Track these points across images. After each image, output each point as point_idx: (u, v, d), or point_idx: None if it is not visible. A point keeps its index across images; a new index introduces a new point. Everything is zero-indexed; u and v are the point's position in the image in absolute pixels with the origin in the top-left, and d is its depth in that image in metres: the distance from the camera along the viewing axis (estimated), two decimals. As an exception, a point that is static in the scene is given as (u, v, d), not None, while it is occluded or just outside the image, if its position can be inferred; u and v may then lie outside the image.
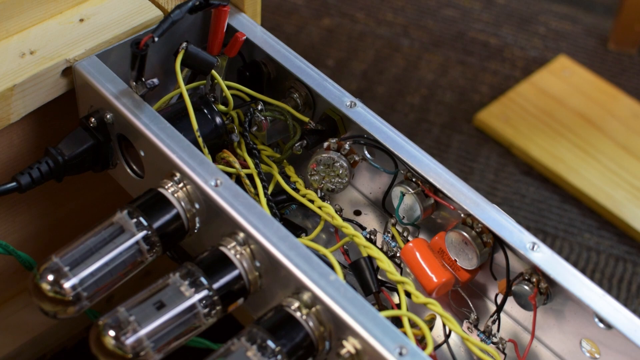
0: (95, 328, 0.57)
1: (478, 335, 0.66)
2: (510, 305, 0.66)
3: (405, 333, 0.58)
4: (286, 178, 0.72)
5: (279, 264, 0.59)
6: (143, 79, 0.66)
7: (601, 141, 1.50)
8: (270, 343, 0.56)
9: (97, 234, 0.62)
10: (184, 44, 0.67)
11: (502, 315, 0.66)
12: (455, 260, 0.66)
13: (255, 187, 0.68)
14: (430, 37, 1.69)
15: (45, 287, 0.59)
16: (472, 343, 0.61)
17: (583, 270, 1.34)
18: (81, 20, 0.73)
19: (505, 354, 0.65)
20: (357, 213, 0.74)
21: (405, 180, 0.68)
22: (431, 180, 0.65)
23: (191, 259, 0.61)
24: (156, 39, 0.64)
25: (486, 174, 1.47)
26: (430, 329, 0.63)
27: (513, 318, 0.67)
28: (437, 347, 0.64)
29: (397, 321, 0.59)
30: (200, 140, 0.67)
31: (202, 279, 0.59)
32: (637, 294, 1.33)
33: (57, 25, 0.73)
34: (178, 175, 0.64)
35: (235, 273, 0.60)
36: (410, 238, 0.70)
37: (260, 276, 0.61)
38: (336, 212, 0.68)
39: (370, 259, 0.66)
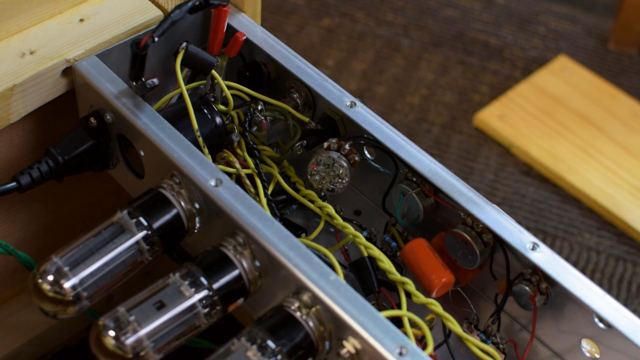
0: (95, 328, 0.57)
1: (478, 335, 0.66)
2: (510, 305, 0.66)
3: (405, 333, 0.58)
4: (286, 178, 0.72)
5: (279, 264, 0.59)
6: (143, 79, 0.66)
7: (601, 141, 1.51)
8: (270, 343, 0.56)
9: (97, 234, 0.62)
10: (184, 44, 0.67)
11: (502, 315, 0.66)
12: (456, 260, 0.66)
13: (255, 187, 0.68)
14: (430, 37, 1.69)
15: (45, 287, 0.59)
16: (472, 343, 0.61)
17: (583, 270, 1.34)
18: (81, 20, 0.73)
19: (505, 354, 0.65)
20: (357, 213, 0.74)
21: (405, 180, 0.68)
22: (431, 180, 0.65)
23: (191, 259, 0.61)
24: (156, 39, 0.64)
25: (486, 174, 1.47)
26: (430, 329, 0.63)
27: (513, 318, 0.67)
28: (437, 347, 0.64)
29: (397, 321, 0.59)
30: (200, 140, 0.67)
31: (202, 279, 0.59)
32: (637, 294, 1.33)
33: (57, 25, 0.73)
34: (178, 175, 0.64)
35: (235, 273, 0.60)
36: (410, 238, 0.70)
37: (260, 276, 0.61)
38: (336, 212, 0.69)
39: (370, 259, 0.66)
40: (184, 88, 0.67)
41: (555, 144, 1.49)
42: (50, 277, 0.59)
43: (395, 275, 0.64)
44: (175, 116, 0.68)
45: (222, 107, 0.71)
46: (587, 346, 0.62)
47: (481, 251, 0.64)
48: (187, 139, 0.65)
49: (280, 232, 0.60)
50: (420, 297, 0.62)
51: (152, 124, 0.66)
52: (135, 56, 0.65)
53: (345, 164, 0.67)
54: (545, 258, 0.61)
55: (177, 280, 0.59)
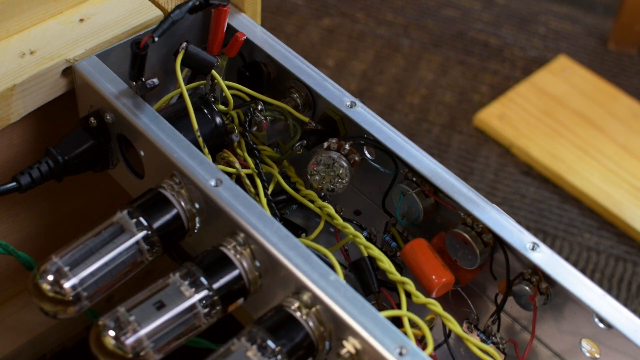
0: (95, 328, 0.57)
1: (478, 335, 0.66)
2: (510, 305, 0.66)
3: (405, 333, 0.58)
4: (286, 178, 0.72)
5: (279, 264, 0.59)
6: (143, 79, 0.66)
7: (601, 141, 1.51)
8: (270, 343, 0.56)
9: (97, 234, 0.62)
10: (184, 44, 0.67)
11: (502, 315, 0.66)
12: (456, 260, 0.66)
13: (255, 187, 0.68)
14: (430, 37, 1.69)
15: (45, 287, 0.59)
16: (472, 343, 0.61)
17: (583, 270, 1.34)
18: (81, 20, 0.73)
19: (505, 354, 0.65)
20: (357, 213, 0.74)
21: (405, 180, 0.68)
22: (431, 180, 0.65)
23: (191, 259, 0.61)
24: (156, 39, 0.64)
25: (486, 174, 1.47)
26: (430, 329, 0.63)
27: (513, 318, 0.67)
28: (437, 347, 0.64)
29: (397, 321, 0.59)
30: (200, 140, 0.67)
31: (202, 279, 0.59)
32: (637, 294, 1.33)
33: (57, 25, 0.73)
34: (178, 175, 0.64)
35: (235, 273, 0.60)
36: (410, 238, 0.70)
37: (260, 276, 0.61)
38: (336, 212, 0.68)
39: (370, 259, 0.66)
40: (184, 88, 0.67)
41: (555, 144, 1.49)
42: (50, 277, 0.59)
43: (395, 275, 0.64)
44: (175, 116, 0.68)
45: (222, 107, 0.71)
46: (587, 346, 0.62)
47: (481, 251, 0.64)
48: (187, 139, 0.65)
49: (280, 232, 0.60)
50: (420, 297, 0.62)
51: (152, 124, 0.66)
52: (135, 56, 0.65)
53: (345, 164, 0.67)
54: (545, 258, 0.61)
55: (177, 280, 0.59)
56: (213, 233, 0.63)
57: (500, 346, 0.65)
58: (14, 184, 0.69)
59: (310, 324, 0.57)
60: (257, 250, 0.60)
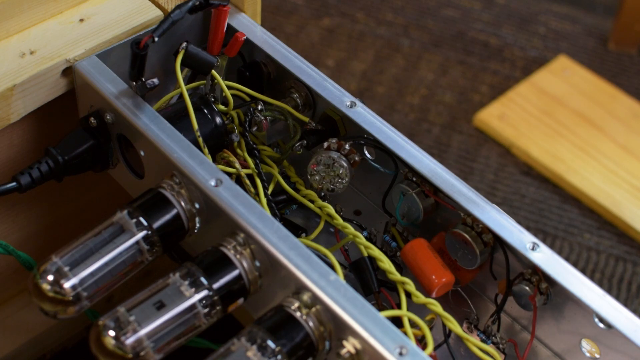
0: (95, 328, 0.57)
1: (478, 335, 0.66)
2: (510, 305, 0.66)
3: (405, 333, 0.58)
4: (286, 178, 0.72)
5: (279, 264, 0.59)
6: (143, 79, 0.66)
7: (601, 141, 1.51)
8: (270, 343, 0.56)
9: (97, 234, 0.62)
10: (184, 44, 0.67)
11: (502, 315, 0.66)
12: (456, 260, 0.66)
13: (255, 187, 0.68)
14: (430, 37, 1.69)
15: (46, 287, 0.59)
16: (472, 343, 0.61)
17: (583, 270, 1.34)
18: (81, 20, 0.73)
19: (505, 354, 0.65)
20: (357, 213, 0.74)
21: (405, 180, 0.68)
22: (431, 180, 0.65)
23: (191, 259, 0.61)
24: (156, 39, 0.64)
25: (486, 174, 1.47)
26: (430, 329, 0.63)
27: (513, 318, 0.67)
28: (437, 347, 0.64)
29: (397, 321, 0.59)
30: (200, 140, 0.67)
31: (202, 279, 0.59)
32: (637, 294, 1.33)
33: (57, 25, 0.73)
34: (178, 175, 0.64)
35: (235, 273, 0.60)
36: (410, 238, 0.70)
37: (260, 276, 0.61)
38: (336, 212, 0.68)
39: (370, 259, 0.66)
40: (184, 88, 0.67)
41: (555, 144, 1.49)
42: (50, 277, 0.59)
43: (395, 275, 0.64)
44: (175, 116, 0.68)
45: (222, 107, 0.71)
46: (587, 346, 0.62)
47: (481, 251, 0.64)
48: (187, 139, 0.65)
49: (280, 232, 0.60)
50: (420, 297, 0.62)
51: (152, 124, 0.66)
52: (135, 56, 0.65)
53: (345, 164, 0.67)
54: (545, 258, 0.61)
55: (177, 280, 0.59)
56: (213, 233, 0.63)
57: (500, 346, 0.65)
58: (14, 184, 0.69)
59: (310, 324, 0.57)
60: (257, 250, 0.60)
